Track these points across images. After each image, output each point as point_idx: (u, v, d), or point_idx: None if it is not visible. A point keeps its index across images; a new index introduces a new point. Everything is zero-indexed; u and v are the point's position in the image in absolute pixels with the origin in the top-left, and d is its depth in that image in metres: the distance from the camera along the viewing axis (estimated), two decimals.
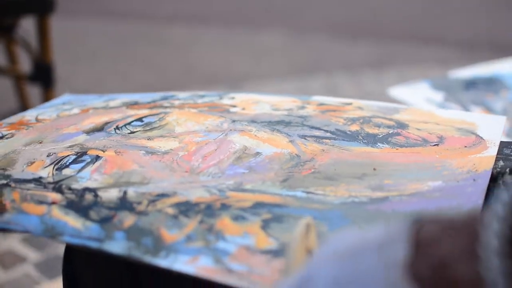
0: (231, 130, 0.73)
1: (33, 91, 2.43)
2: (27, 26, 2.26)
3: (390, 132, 0.72)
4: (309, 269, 0.38)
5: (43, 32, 1.95)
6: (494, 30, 3.89)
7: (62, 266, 0.67)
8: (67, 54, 3.17)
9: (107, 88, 2.73)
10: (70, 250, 0.66)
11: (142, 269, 0.62)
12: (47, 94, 2.00)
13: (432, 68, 3.12)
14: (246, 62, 3.27)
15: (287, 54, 3.42)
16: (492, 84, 1.24)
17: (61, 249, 1.59)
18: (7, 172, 0.64)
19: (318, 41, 3.64)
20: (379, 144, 0.69)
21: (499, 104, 1.16)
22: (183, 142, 0.71)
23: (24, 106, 2.41)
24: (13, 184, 0.61)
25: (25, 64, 2.47)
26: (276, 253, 0.49)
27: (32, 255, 1.57)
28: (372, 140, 0.70)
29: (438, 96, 1.17)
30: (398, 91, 1.19)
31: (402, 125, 0.74)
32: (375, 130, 0.73)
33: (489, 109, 1.14)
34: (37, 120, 0.82)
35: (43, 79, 2.00)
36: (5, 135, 0.76)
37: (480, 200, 0.55)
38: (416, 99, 1.14)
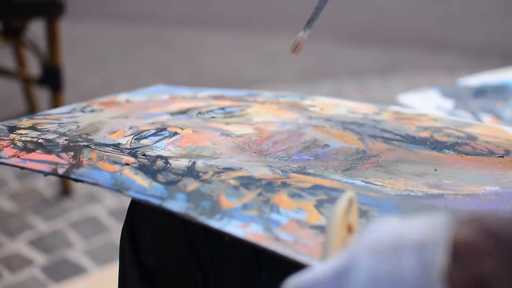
0: (305, 124, 0.77)
1: (42, 94, 2.44)
2: (36, 29, 2.26)
3: (458, 141, 0.75)
4: (348, 260, 0.37)
5: (52, 36, 1.95)
6: (504, 36, 3.88)
7: (124, 220, 0.72)
8: (75, 57, 3.18)
9: (115, 91, 2.72)
10: (134, 209, 0.72)
11: (197, 235, 0.65)
12: (56, 98, 2.01)
13: (440, 74, 3.11)
14: (254, 66, 3.27)
15: (295, 59, 3.42)
16: (501, 92, 1.23)
17: (68, 253, 1.59)
18: (89, 137, 0.71)
19: (326, 46, 3.64)
20: (445, 150, 0.72)
21: (508, 112, 1.16)
22: (257, 129, 0.75)
23: (32, 109, 2.41)
24: (93, 146, 0.68)
25: (33, 67, 2.47)
26: (325, 229, 0.51)
27: (39, 258, 1.58)
28: (439, 146, 0.73)
29: (448, 103, 1.17)
30: (407, 98, 1.18)
31: (471, 137, 0.76)
32: (444, 139, 0.75)
33: (499, 117, 1.14)
34: (127, 101, 0.88)
35: (52, 82, 2.00)
36: (95, 109, 0.83)
37: None
38: (426, 107, 1.14)
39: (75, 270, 1.54)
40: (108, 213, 1.79)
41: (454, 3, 4.77)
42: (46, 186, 1.90)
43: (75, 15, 3.31)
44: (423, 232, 0.35)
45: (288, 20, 4.21)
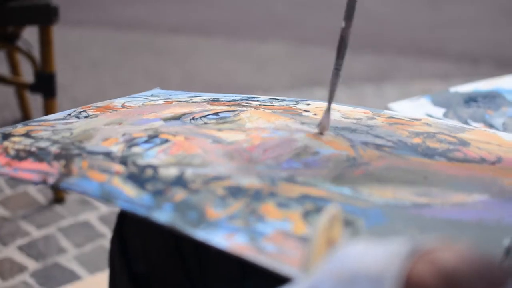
0: (298, 130, 0.77)
1: (35, 100, 2.43)
2: (29, 35, 2.26)
3: (450, 148, 0.75)
4: (312, 284, 0.39)
5: (45, 42, 1.95)
6: (497, 44, 3.90)
7: (113, 231, 0.73)
8: (68, 63, 3.17)
9: (108, 97, 2.72)
10: (124, 217, 0.72)
11: (186, 243, 0.66)
12: (49, 104, 2.01)
13: (434, 82, 3.12)
14: (248, 73, 3.27)
15: (288, 66, 3.43)
16: (492, 99, 1.24)
17: (59, 259, 1.58)
18: (82, 145, 0.71)
19: (319, 53, 3.65)
20: (436, 157, 0.72)
21: (499, 120, 1.16)
22: (249, 136, 0.75)
23: (26, 115, 2.41)
24: (84, 155, 0.68)
25: (27, 74, 2.47)
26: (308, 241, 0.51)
27: (31, 264, 1.57)
28: (430, 153, 0.73)
29: (439, 111, 1.17)
30: (398, 106, 1.19)
31: (464, 143, 0.76)
32: (436, 145, 0.75)
33: (490, 125, 1.14)
34: (123, 106, 0.88)
35: (45, 89, 2.00)
36: (90, 115, 0.83)
37: None
38: (417, 115, 1.15)
39: (67, 276, 1.53)
40: (100, 219, 1.79)
41: (447, 10, 4.79)
42: (38, 191, 1.90)
43: (69, 21, 3.32)
44: (380, 265, 0.36)
45: (281, 27, 4.22)
